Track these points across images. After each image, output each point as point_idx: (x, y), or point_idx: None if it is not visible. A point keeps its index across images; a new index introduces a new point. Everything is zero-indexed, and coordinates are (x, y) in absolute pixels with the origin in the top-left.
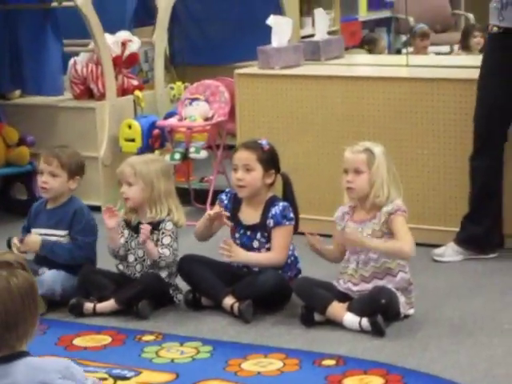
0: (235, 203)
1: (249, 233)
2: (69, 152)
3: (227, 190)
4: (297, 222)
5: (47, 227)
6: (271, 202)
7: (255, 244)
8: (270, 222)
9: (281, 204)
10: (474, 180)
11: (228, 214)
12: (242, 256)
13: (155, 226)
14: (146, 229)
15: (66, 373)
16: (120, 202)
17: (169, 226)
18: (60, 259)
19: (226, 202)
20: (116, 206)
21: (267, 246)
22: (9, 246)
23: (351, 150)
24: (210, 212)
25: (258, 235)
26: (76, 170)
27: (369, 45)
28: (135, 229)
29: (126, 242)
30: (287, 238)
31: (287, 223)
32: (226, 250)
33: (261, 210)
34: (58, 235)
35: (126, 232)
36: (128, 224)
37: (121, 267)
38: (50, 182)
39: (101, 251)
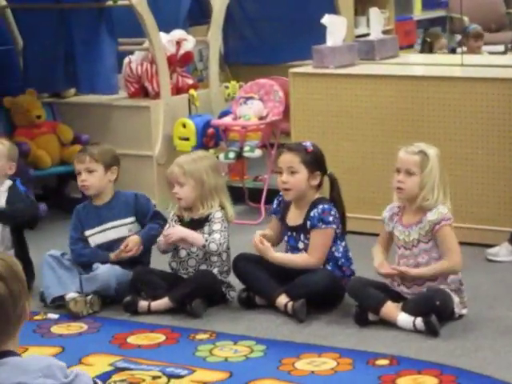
0: (285, 206)
1: (294, 234)
2: (99, 147)
3: (279, 194)
4: (344, 222)
5: (109, 221)
6: (314, 204)
7: (300, 245)
8: (308, 224)
9: (320, 207)
10: None
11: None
12: (275, 257)
13: (205, 219)
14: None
15: (47, 372)
16: (172, 203)
17: (218, 214)
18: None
19: (274, 206)
20: (168, 207)
21: None
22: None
23: (406, 150)
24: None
25: (302, 236)
26: (111, 160)
27: (430, 37)
28: (187, 224)
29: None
30: (323, 241)
31: (323, 226)
32: (259, 248)
33: (305, 211)
34: (126, 223)
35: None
36: (180, 219)
37: (174, 265)
38: (89, 178)
39: (155, 252)
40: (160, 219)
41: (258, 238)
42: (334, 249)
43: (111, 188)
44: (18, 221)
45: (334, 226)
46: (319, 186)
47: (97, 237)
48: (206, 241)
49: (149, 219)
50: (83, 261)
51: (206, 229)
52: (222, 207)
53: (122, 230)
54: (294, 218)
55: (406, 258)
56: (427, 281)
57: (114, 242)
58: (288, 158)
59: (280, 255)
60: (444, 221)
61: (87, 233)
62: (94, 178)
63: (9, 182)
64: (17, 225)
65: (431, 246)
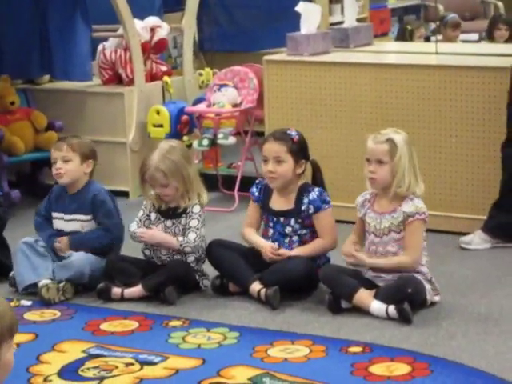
0: (266, 193)
1: (282, 219)
2: (78, 138)
3: (257, 181)
4: None
5: (69, 213)
6: (305, 189)
7: (288, 230)
8: (310, 208)
9: (316, 189)
10: (505, 168)
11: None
12: (290, 254)
13: (183, 211)
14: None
15: None
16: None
17: (196, 209)
18: (91, 247)
19: (256, 194)
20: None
21: (300, 231)
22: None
23: (373, 139)
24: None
25: (292, 221)
26: (88, 153)
27: (412, 25)
28: (163, 213)
29: (153, 224)
30: (331, 221)
31: (327, 207)
32: (275, 255)
33: (293, 197)
34: (81, 220)
35: (153, 215)
36: (158, 208)
37: (147, 252)
38: (64, 167)
39: (126, 238)
40: (103, 231)
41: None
42: (316, 235)
43: (84, 180)
44: None
45: (331, 205)
46: (303, 172)
47: (56, 222)
48: (181, 245)
49: (99, 219)
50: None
51: (183, 220)
52: (198, 197)
53: (75, 224)
54: (281, 203)
55: (376, 246)
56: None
57: (66, 234)
58: (274, 148)
59: (297, 250)
60: (418, 215)
61: (53, 214)
62: (68, 167)
63: None
64: None
65: (401, 236)
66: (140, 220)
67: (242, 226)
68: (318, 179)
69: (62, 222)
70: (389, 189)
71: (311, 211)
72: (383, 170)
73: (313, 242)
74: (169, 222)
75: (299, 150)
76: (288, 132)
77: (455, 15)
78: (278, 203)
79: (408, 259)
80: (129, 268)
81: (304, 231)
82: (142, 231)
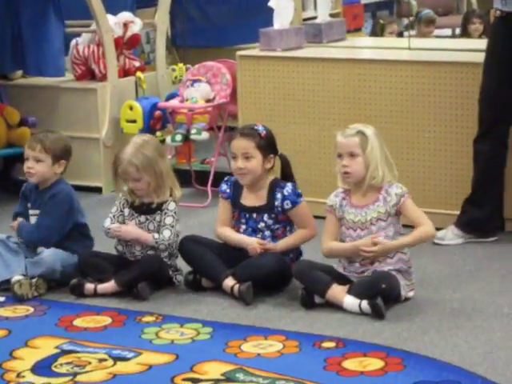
0: (236, 189)
1: (254, 215)
2: (53, 137)
3: (225, 178)
4: None
5: (35, 208)
6: (276, 184)
7: (261, 225)
8: (287, 204)
9: (289, 184)
10: (476, 163)
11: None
12: (278, 247)
13: (157, 206)
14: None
15: None
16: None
17: (171, 206)
18: (23, 238)
19: (228, 191)
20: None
21: (273, 226)
22: None
23: (343, 134)
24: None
25: (265, 217)
26: (61, 154)
27: (384, 20)
28: (137, 208)
29: (127, 219)
30: (308, 211)
31: (301, 199)
32: (263, 249)
33: (265, 192)
34: (37, 214)
35: (127, 211)
36: (131, 204)
37: (120, 248)
38: (35, 167)
39: (99, 234)
40: (39, 222)
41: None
42: (287, 229)
43: (54, 179)
44: None
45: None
46: (271, 168)
47: (31, 218)
48: (156, 242)
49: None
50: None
51: (158, 217)
52: (171, 193)
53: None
54: (252, 199)
55: (361, 238)
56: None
57: None
58: (242, 144)
59: (282, 242)
60: (406, 194)
61: (30, 211)
62: (39, 168)
63: None
64: None
65: (388, 224)
66: (114, 216)
67: (216, 226)
68: (287, 173)
69: (33, 217)
70: (362, 182)
71: (288, 206)
72: (356, 162)
73: (294, 233)
74: (142, 218)
75: (267, 145)
76: (255, 127)
77: (430, 11)
78: (249, 199)
79: (429, 227)
80: (101, 263)
81: (277, 226)
82: (116, 226)
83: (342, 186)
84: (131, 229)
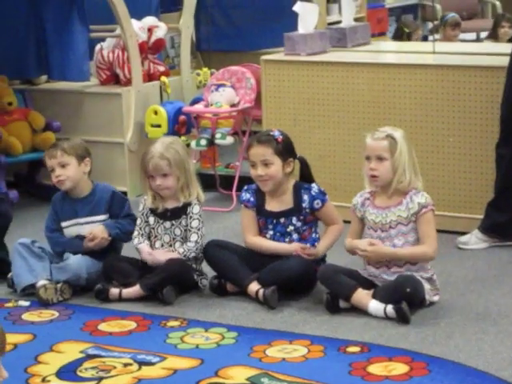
0: (259, 197)
1: (282, 220)
2: (68, 141)
3: (245, 187)
4: None
5: (83, 216)
6: (300, 187)
7: (290, 228)
8: (318, 203)
9: (313, 185)
10: (499, 167)
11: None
12: (318, 252)
13: (182, 210)
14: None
15: None
16: (149, 193)
17: (196, 209)
18: (125, 233)
19: (252, 199)
20: (140, 194)
21: (302, 228)
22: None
23: (372, 136)
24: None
25: (294, 220)
26: (82, 153)
27: (409, 27)
28: (161, 215)
29: (153, 228)
30: (334, 208)
31: (327, 197)
32: (306, 254)
33: (289, 196)
34: (99, 220)
35: (152, 219)
36: (153, 211)
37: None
38: (64, 172)
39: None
40: (131, 219)
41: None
42: (313, 229)
43: (87, 181)
44: None
45: None
46: (292, 170)
47: (70, 230)
48: (185, 256)
49: (125, 212)
50: (58, 250)
51: (184, 221)
52: (197, 195)
53: (93, 226)
54: (277, 204)
55: (382, 240)
56: (395, 265)
57: (84, 238)
58: (260, 151)
59: (321, 246)
60: (430, 205)
61: (62, 224)
62: (68, 172)
63: None
64: None
65: (409, 229)
66: (140, 228)
67: (245, 236)
68: (306, 175)
69: (74, 228)
70: (389, 185)
71: (319, 206)
72: (384, 166)
73: (327, 233)
74: (167, 224)
75: (285, 150)
76: (271, 133)
77: (455, 14)
78: (274, 205)
79: (429, 249)
80: (126, 268)
81: (304, 227)
82: (147, 253)
83: (368, 187)
84: (160, 256)
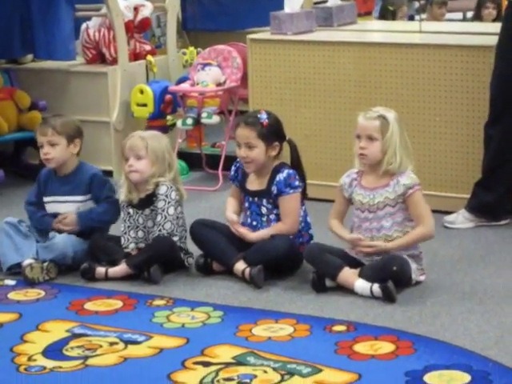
0: (243, 174)
1: (256, 199)
2: (62, 119)
3: (235, 162)
4: (304, 187)
5: (62, 194)
6: (277, 170)
7: (263, 210)
8: (274, 189)
9: (286, 171)
10: (487, 147)
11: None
12: (251, 236)
13: (152, 195)
14: None
15: None
16: (122, 180)
17: (162, 189)
18: (100, 223)
19: (232, 173)
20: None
21: (275, 211)
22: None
23: (364, 115)
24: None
25: (264, 201)
26: (74, 133)
27: (393, 6)
28: (138, 205)
29: (131, 218)
30: (294, 206)
31: (291, 191)
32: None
33: (267, 177)
34: (76, 201)
35: (131, 210)
36: (130, 202)
37: (132, 246)
38: (51, 151)
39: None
40: (110, 204)
41: (233, 226)
42: None
43: (74, 160)
44: None
45: (300, 190)
46: (278, 153)
47: (49, 206)
48: (160, 231)
49: (105, 194)
50: (32, 224)
51: (159, 204)
52: (177, 188)
53: (71, 206)
54: (255, 183)
55: (369, 222)
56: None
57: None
58: (245, 133)
59: (257, 234)
60: (416, 186)
61: (44, 199)
62: (56, 151)
63: None
64: None
65: (397, 210)
66: (125, 221)
67: (225, 211)
68: (295, 158)
69: (52, 205)
70: (378, 166)
71: (275, 192)
72: (374, 146)
73: (274, 226)
74: (147, 211)
75: (270, 134)
76: (258, 115)
77: None
78: (253, 184)
79: (426, 228)
80: (113, 246)
81: (276, 211)
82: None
83: (358, 167)
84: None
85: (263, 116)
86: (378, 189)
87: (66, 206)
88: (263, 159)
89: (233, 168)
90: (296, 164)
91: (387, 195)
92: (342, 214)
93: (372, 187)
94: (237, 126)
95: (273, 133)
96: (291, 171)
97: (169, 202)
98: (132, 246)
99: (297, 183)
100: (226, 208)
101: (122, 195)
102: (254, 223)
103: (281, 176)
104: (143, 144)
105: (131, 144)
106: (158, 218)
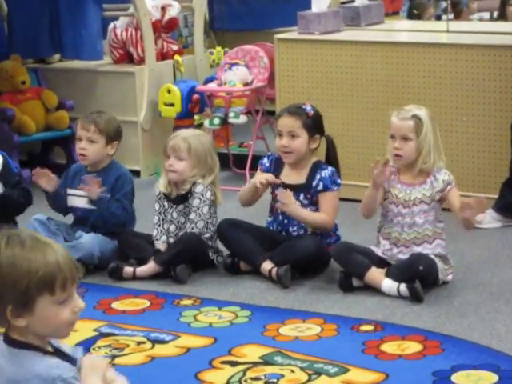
0: (277, 166)
1: (292, 193)
2: (106, 117)
3: (268, 153)
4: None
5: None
6: (318, 166)
7: (298, 205)
8: (319, 185)
9: (329, 168)
10: None
11: (279, 181)
12: (294, 207)
13: (189, 192)
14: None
15: None
16: (163, 173)
17: (199, 188)
18: (111, 216)
19: (267, 165)
20: (153, 173)
21: (310, 208)
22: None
23: (398, 115)
24: (255, 182)
25: (301, 196)
26: (114, 135)
27: (417, 9)
28: (174, 200)
29: (166, 212)
30: (336, 203)
31: (335, 188)
32: (282, 197)
33: (306, 172)
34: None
35: (166, 204)
36: (167, 196)
37: (163, 238)
38: (89, 148)
39: (145, 216)
40: (123, 205)
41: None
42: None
43: (106, 161)
44: (10, 210)
45: (340, 189)
46: (316, 148)
47: (70, 199)
48: (192, 229)
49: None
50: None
51: (193, 202)
52: (214, 191)
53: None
54: (292, 177)
55: (402, 217)
56: (413, 244)
57: (79, 210)
58: (289, 122)
59: (296, 207)
60: (453, 182)
61: (69, 191)
62: (93, 149)
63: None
64: (7, 213)
65: (431, 208)
66: (159, 213)
67: (253, 180)
68: (332, 155)
69: (76, 198)
70: (413, 165)
71: (319, 188)
72: (409, 146)
73: (318, 213)
74: (181, 207)
75: (313, 125)
76: (303, 107)
77: None
78: (289, 177)
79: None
80: (142, 243)
81: (313, 208)
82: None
83: (393, 165)
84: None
85: (308, 107)
86: (416, 185)
87: (85, 200)
88: (304, 150)
89: (265, 160)
90: (333, 160)
91: (424, 192)
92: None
93: (409, 183)
94: (279, 116)
95: (316, 125)
96: (333, 168)
97: (204, 201)
98: (164, 238)
99: (339, 181)
100: (250, 182)
101: (160, 187)
102: (286, 221)
103: (326, 172)
104: (185, 146)
105: (173, 144)
106: (192, 215)
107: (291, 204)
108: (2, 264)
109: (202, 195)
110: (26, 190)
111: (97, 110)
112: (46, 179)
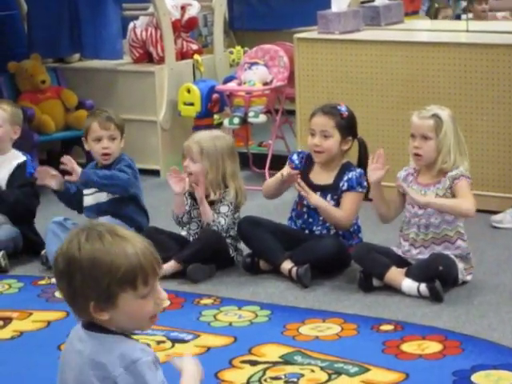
0: (307, 164)
1: (319, 193)
2: (114, 113)
3: (299, 150)
4: (368, 188)
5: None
6: (347, 167)
7: None
8: (344, 185)
9: (358, 170)
10: None
11: (298, 174)
12: (315, 197)
13: (212, 202)
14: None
15: (131, 367)
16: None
17: (223, 209)
18: (100, 181)
19: (297, 162)
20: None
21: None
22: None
23: (418, 114)
24: (282, 172)
25: (328, 197)
26: (123, 128)
27: (439, 3)
28: (196, 199)
29: (190, 210)
30: (357, 204)
31: (360, 190)
32: (301, 187)
33: (335, 173)
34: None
35: (190, 201)
36: (191, 194)
37: (184, 234)
38: (111, 146)
39: (165, 216)
40: (119, 174)
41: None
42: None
43: (119, 154)
44: (13, 209)
45: (365, 192)
46: (348, 149)
47: (85, 198)
48: (213, 221)
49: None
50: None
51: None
52: (237, 195)
53: (102, 195)
54: (321, 177)
55: (418, 218)
56: (432, 243)
57: (94, 208)
58: (322, 121)
59: (318, 199)
60: (463, 177)
61: (85, 191)
62: (114, 146)
63: (20, 159)
64: (12, 213)
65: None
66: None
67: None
68: (363, 158)
69: (88, 196)
70: (433, 165)
71: (344, 188)
72: (428, 145)
73: (337, 209)
74: None
75: (347, 126)
76: (338, 107)
77: None
78: (318, 176)
79: (466, 204)
80: (166, 241)
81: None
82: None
83: (413, 165)
84: (202, 194)
85: (343, 108)
86: (430, 185)
87: (97, 196)
88: (335, 151)
89: (295, 156)
90: (364, 163)
91: (438, 192)
92: (392, 203)
93: (425, 183)
94: (313, 115)
95: (349, 126)
96: (362, 171)
97: (232, 211)
98: (184, 233)
99: (365, 184)
100: (275, 177)
101: (187, 185)
102: (311, 220)
103: (354, 174)
104: (197, 149)
105: (186, 146)
106: (221, 220)
107: (310, 195)
108: (83, 261)
109: (231, 203)
110: (26, 191)
111: (96, 109)
112: (50, 177)
